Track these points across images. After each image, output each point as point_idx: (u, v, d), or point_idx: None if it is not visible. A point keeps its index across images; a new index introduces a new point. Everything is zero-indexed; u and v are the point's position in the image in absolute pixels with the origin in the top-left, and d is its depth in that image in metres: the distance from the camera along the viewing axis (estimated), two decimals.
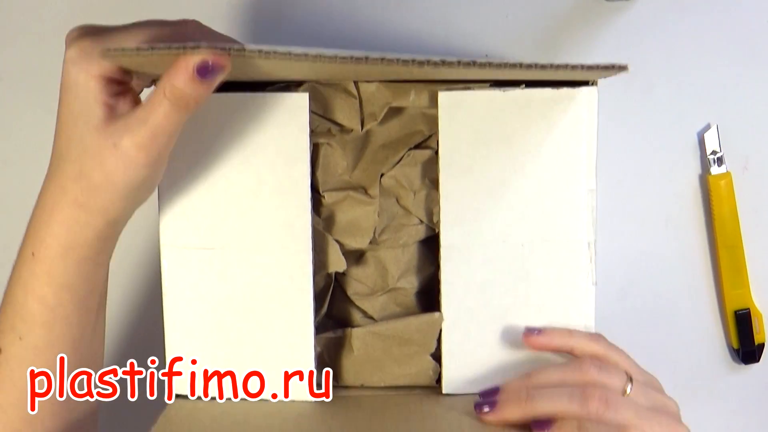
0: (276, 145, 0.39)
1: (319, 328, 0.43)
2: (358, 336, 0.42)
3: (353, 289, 0.43)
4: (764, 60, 0.51)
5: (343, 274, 0.43)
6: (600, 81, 0.40)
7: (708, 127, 0.51)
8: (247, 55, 0.30)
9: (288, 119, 0.39)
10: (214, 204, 0.40)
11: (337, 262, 0.42)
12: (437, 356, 0.42)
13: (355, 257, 0.43)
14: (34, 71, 0.52)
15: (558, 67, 0.33)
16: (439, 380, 0.41)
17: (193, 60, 0.31)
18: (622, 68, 0.32)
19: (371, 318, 0.43)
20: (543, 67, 0.32)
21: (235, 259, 0.40)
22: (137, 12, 0.51)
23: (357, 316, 0.44)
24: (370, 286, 0.43)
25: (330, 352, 0.43)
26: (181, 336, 0.40)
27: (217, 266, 0.40)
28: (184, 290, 0.40)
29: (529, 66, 0.32)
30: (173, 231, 0.40)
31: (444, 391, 0.41)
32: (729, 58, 0.51)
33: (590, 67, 0.33)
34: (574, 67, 0.33)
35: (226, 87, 0.40)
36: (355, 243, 0.42)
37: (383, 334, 0.42)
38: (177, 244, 0.40)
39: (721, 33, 0.51)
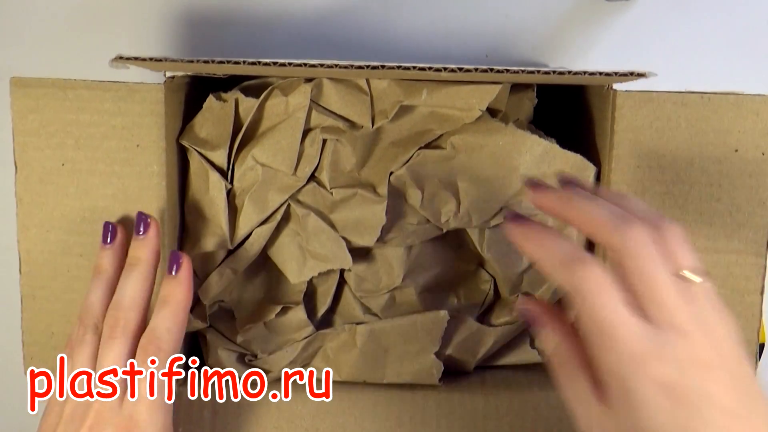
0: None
1: (323, 323, 0.43)
2: (362, 332, 0.42)
3: (358, 286, 0.43)
4: (764, 60, 0.51)
5: (349, 271, 0.43)
6: None
7: None
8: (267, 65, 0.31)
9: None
10: None
11: (343, 259, 0.41)
12: (440, 355, 0.42)
13: (361, 255, 0.43)
14: (34, 71, 0.52)
15: (576, 73, 0.33)
16: (441, 379, 0.42)
17: None
18: (640, 75, 0.32)
19: (375, 315, 0.43)
20: (561, 73, 0.33)
21: None
22: (137, 12, 0.51)
23: (360, 314, 0.43)
24: (375, 283, 0.43)
25: (333, 348, 0.43)
26: None
27: None
28: None
29: (547, 72, 0.32)
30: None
31: None
32: (729, 58, 0.51)
33: (608, 74, 0.33)
34: (591, 74, 0.33)
35: (237, 80, 0.40)
36: (362, 241, 0.41)
37: (388, 331, 0.42)
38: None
39: (721, 33, 0.51)
